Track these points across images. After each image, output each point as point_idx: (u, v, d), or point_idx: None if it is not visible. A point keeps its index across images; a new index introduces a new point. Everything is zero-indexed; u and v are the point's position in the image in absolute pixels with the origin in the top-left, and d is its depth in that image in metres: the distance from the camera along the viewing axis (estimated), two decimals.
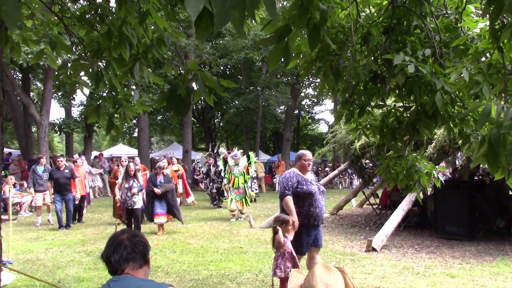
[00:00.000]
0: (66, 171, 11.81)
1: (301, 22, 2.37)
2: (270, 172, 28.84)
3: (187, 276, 6.95)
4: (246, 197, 13.23)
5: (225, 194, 13.80)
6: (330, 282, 2.27)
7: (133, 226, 10.27)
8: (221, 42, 26.57)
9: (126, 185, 10.29)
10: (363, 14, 3.87)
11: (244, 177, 13.18)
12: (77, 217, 12.74)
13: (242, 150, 14.01)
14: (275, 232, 5.22)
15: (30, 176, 12.74)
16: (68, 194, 11.73)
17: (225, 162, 13.61)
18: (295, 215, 5.61)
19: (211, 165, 16.39)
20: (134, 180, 10.37)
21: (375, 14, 3.86)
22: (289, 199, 5.75)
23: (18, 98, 19.62)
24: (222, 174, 14.02)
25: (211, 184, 16.24)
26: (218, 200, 16.16)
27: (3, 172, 14.85)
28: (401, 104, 3.90)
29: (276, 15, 1.93)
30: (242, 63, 28.19)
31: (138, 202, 10.37)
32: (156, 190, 10.59)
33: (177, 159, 18.48)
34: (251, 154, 13.98)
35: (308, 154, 6.12)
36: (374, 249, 8.72)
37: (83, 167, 14.83)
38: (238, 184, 13.02)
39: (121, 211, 11.12)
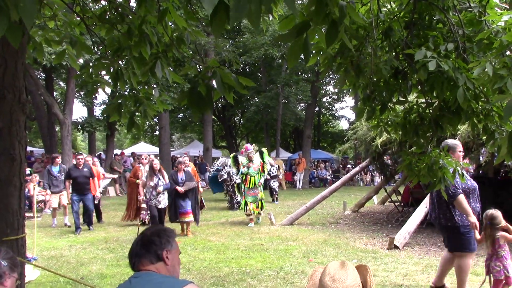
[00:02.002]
0: (85, 169, 11.19)
1: (318, 18, 2.35)
2: (290, 169, 28.83)
3: (208, 273, 6.98)
4: (260, 198, 12.04)
5: (238, 196, 12.90)
6: (338, 277, 2.24)
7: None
8: (240, 40, 26.60)
9: (151, 183, 9.84)
10: (384, 9, 3.82)
11: (260, 176, 12.08)
12: (96, 217, 12.18)
13: (254, 144, 13.18)
14: (504, 230, 5.02)
15: (45, 177, 12.12)
16: (87, 194, 11.12)
17: (236, 161, 12.61)
18: (473, 215, 5.31)
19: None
20: (159, 178, 9.92)
21: (396, 9, 3.81)
22: (463, 198, 5.35)
23: (42, 98, 19.98)
24: (235, 175, 12.90)
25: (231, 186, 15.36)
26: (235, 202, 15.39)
27: (28, 170, 15.04)
28: (423, 100, 3.84)
29: (295, 9, 1.91)
30: (261, 61, 28.18)
31: (163, 201, 9.98)
32: (179, 188, 10.02)
33: (195, 157, 18.14)
34: (264, 150, 12.73)
35: (460, 144, 5.63)
36: (396, 247, 8.63)
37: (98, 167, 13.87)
38: (255, 184, 11.89)
39: (141, 212, 10.55)
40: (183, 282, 2.28)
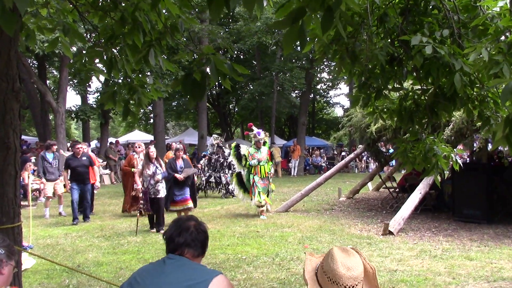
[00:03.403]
0: (84, 158, 10.83)
1: (314, 4, 2.33)
2: (285, 156, 28.87)
3: (204, 260, 6.93)
4: (270, 189, 11.34)
5: (233, 188, 11.96)
6: (351, 265, 2.24)
7: (155, 216, 9.46)
8: (234, 27, 26.45)
9: (149, 172, 9.27)
10: None
11: (269, 165, 11.21)
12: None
13: (265, 132, 12.07)
14: None
15: (40, 164, 11.77)
16: (87, 184, 10.77)
17: (237, 150, 11.46)
18: None
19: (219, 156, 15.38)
20: (157, 166, 9.39)
21: None
22: None
23: (35, 86, 19.82)
24: (236, 166, 11.63)
25: (213, 172, 15.15)
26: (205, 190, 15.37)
27: (33, 158, 14.78)
28: (418, 86, 3.84)
29: None
30: (256, 48, 28.06)
31: (162, 190, 9.42)
32: (178, 176, 9.52)
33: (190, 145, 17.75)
34: (267, 138, 11.75)
35: None
36: (391, 233, 8.69)
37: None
38: (265, 173, 11.05)
39: (140, 203, 9.86)
40: (214, 272, 2.40)
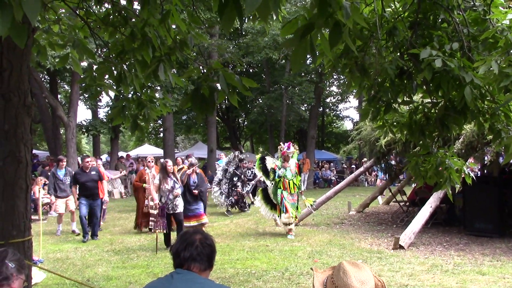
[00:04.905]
0: (93, 172, 10.49)
1: (321, 20, 2.33)
2: None
3: (213, 275, 6.98)
4: (298, 206, 10.62)
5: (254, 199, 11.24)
6: (364, 278, 2.23)
7: (177, 230, 8.99)
8: (243, 41, 26.60)
9: (167, 187, 8.89)
10: (388, 9, 3.80)
11: (297, 179, 10.56)
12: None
13: (295, 146, 11.29)
14: None
15: (51, 181, 11.31)
16: (96, 199, 10.41)
17: (263, 163, 10.91)
18: None
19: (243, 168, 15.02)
20: (174, 180, 9.02)
21: (400, 8, 3.80)
22: None
23: (46, 101, 20.01)
24: (266, 181, 10.92)
25: (232, 188, 14.40)
26: (241, 206, 14.87)
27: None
28: (428, 100, 3.83)
29: None
30: (264, 62, 28.16)
31: (180, 205, 9.04)
32: (189, 179, 9.30)
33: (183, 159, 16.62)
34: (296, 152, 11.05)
35: None
36: (401, 247, 8.60)
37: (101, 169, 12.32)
38: (293, 188, 10.38)
39: (151, 220, 9.56)
40: (222, 287, 2.43)
